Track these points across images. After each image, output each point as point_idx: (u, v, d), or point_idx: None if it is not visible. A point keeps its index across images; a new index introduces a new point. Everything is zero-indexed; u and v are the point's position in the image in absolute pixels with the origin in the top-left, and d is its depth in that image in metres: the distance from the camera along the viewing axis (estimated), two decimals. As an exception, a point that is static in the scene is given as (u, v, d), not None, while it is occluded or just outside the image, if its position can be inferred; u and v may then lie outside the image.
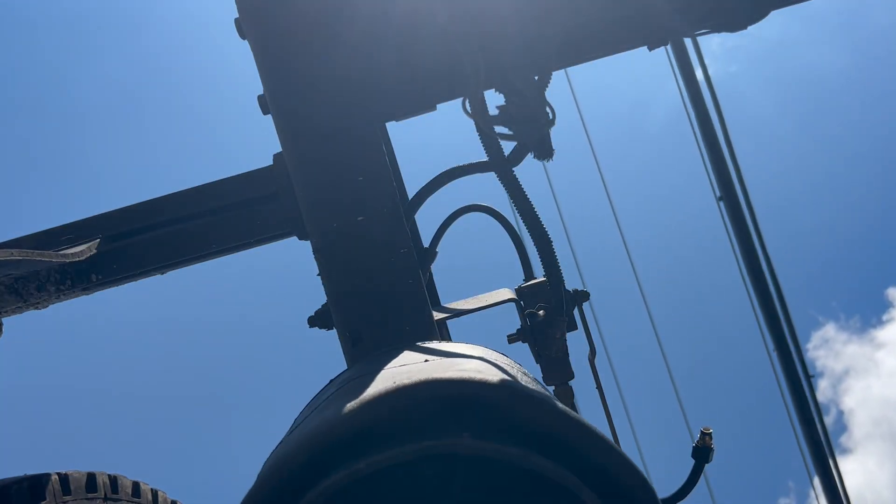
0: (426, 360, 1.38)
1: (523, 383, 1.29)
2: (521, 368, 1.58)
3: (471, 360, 1.37)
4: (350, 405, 1.08)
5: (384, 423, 1.07)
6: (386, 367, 1.36)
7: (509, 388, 1.08)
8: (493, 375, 1.12)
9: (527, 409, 1.08)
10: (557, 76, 1.91)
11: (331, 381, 1.66)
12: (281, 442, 1.32)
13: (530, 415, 1.07)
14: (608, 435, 2.22)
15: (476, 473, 1.10)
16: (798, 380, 4.66)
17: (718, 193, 4.77)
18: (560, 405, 1.09)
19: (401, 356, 1.48)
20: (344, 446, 1.07)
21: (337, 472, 1.04)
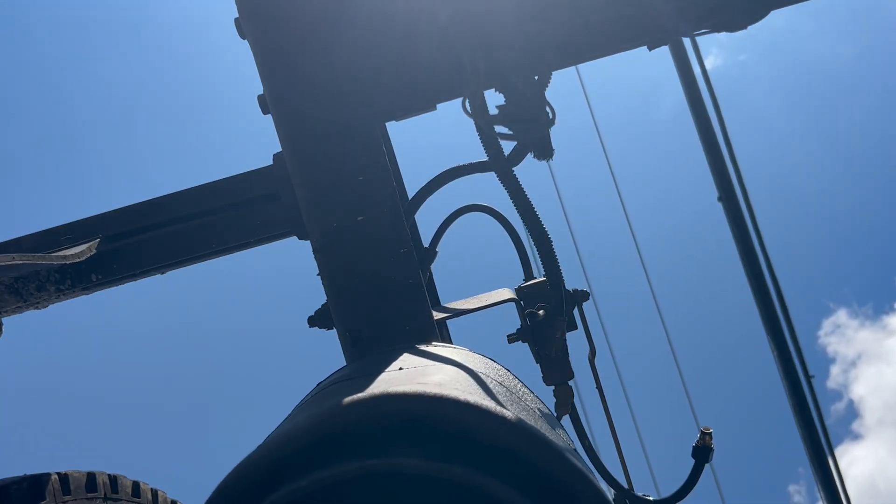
0: (400, 369, 1.38)
1: (497, 395, 1.27)
2: (505, 377, 1.56)
3: (443, 368, 1.36)
4: (306, 418, 1.08)
5: (339, 437, 1.07)
6: (361, 376, 1.36)
7: (463, 403, 1.06)
8: (453, 389, 1.11)
9: (481, 423, 1.05)
10: (565, 73, 1.91)
11: (318, 383, 1.66)
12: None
13: (484, 429, 1.05)
14: (609, 439, 2.22)
15: (424, 491, 1.08)
16: (797, 379, 4.66)
17: (718, 194, 4.76)
18: (514, 418, 1.06)
19: (384, 362, 1.48)
20: (298, 460, 1.06)
21: (280, 490, 1.04)
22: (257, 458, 1.07)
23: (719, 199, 4.76)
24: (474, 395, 1.09)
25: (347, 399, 1.07)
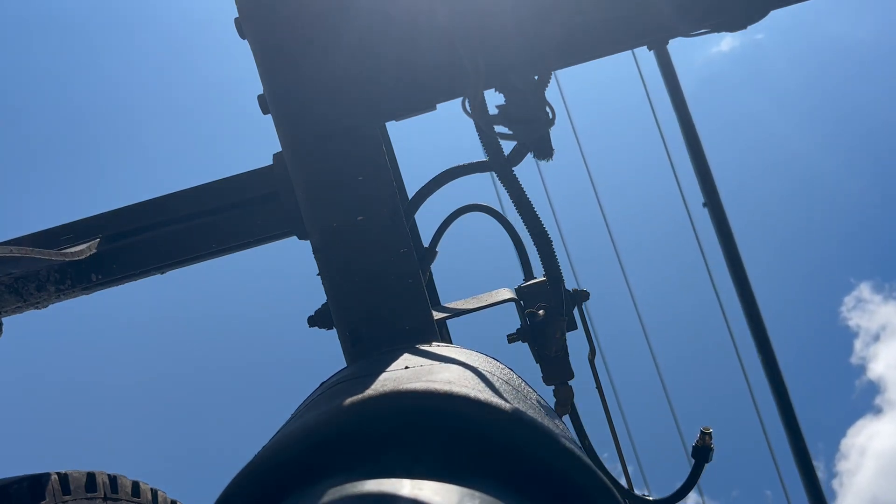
0: (406, 367, 1.39)
1: (503, 393, 1.27)
2: (510, 376, 1.57)
3: (450, 367, 1.36)
4: (315, 416, 1.08)
5: (349, 434, 1.07)
6: (367, 375, 1.37)
7: (473, 399, 1.07)
8: (463, 386, 1.11)
9: (491, 419, 1.06)
10: (567, 73, 1.90)
11: (321, 383, 1.67)
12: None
13: (495, 425, 1.05)
14: (607, 432, 2.22)
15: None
16: (782, 384, 4.68)
17: (703, 200, 4.78)
18: (526, 416, 1.07)
19: (388, 361, 1.48)
20: (307, 457, 1.07)
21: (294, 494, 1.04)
22: (276, 449, 1.07)
23: (704, 205, 4.77)
24: (483, 393, 1.09)
25: (359, 397, 1.07)
